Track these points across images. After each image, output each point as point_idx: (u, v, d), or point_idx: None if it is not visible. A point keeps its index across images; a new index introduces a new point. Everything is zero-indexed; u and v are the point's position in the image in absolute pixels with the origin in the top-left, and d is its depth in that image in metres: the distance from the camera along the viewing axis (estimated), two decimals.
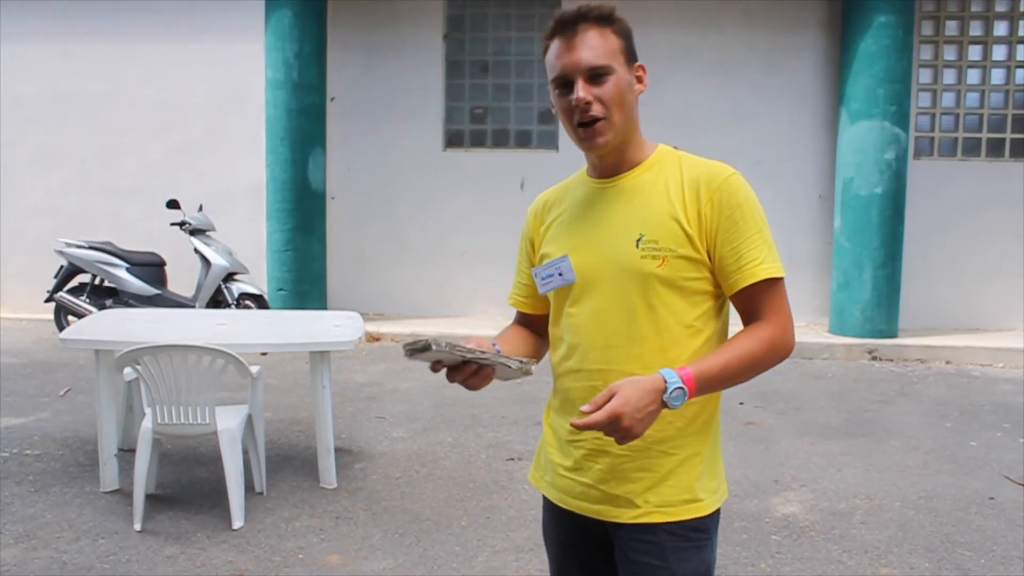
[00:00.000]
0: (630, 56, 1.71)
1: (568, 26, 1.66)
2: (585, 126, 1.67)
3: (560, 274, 1.77)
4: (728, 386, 1.67)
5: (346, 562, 3.61)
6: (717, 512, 1.76)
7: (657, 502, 1.70)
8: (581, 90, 1.64)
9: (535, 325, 1.96)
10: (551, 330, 1.86)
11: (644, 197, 1.71)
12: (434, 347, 1.51)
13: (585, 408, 1.52)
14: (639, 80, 1.73)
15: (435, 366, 1.61)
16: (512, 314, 2.02)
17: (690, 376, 1.56)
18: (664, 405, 1.54)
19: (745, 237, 1.65)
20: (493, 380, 1.68)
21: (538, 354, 1.94)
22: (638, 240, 1.68)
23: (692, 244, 1.66)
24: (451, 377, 1.63)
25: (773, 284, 1.67)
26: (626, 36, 1.70)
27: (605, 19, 1.68)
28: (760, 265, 1.65)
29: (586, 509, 1.77)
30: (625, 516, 1.72)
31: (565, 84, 1.68)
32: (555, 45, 1.68)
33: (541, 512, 1.95)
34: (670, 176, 1.71)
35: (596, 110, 1.65)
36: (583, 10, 1.67)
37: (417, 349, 1.51)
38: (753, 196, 1.69)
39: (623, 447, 1.67)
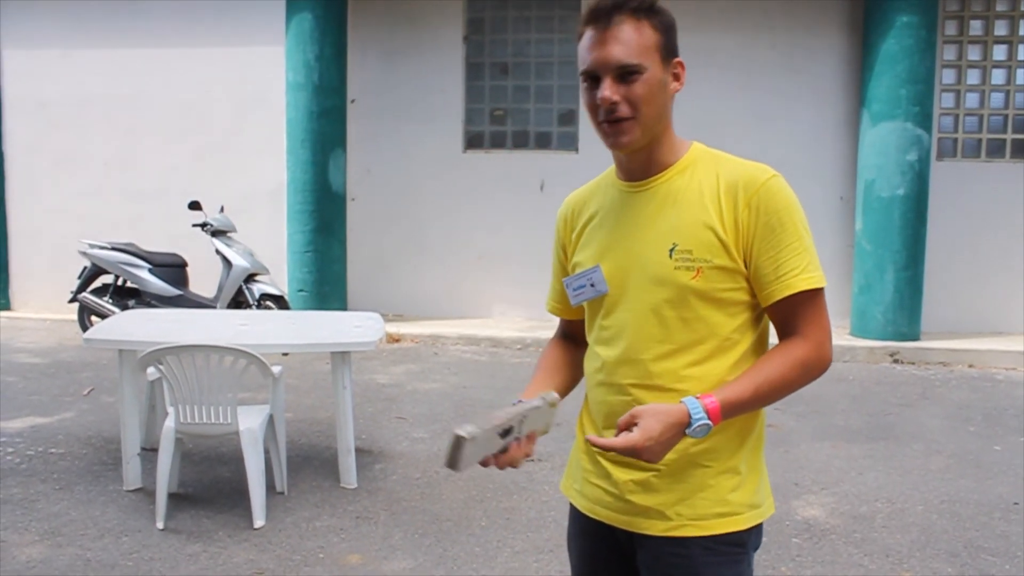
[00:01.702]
0: (668, 52, 1.60)
1: (602, 16, 1.56)
2: (610, 123, 1.58)
3: (592, 285, 1.69)
4: (757, 409, 1.61)
5: (366, 562, 3.62)
6: (758, 527, 1.68)
7: (690, 515, 1.63)
8: (607, 89, 1.55)
9: (577, 332, 1.86)
10: (587, 337, 1.78)
11: (677, 203, 1.61)
12: (467, 436, 1.43)
13: (597, 440, 1.51)
14: (676, 78, 1.63)
15: (485, 460, 1.54)
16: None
17: (716, 407, 1.50)
18: (684, 435, 1.51)
19: (784, 245, 1.56)
20: (537, 437, 1.63)
21: (581, 371, 1.85)
22: (671, 250, 1.59)
23: (728, 253, 1.57)
24: (504, 464, 1.56)
25: (812, 296, 1.58)
26: (665, 30, 1.59)
27: (644, 10, 1.57)
28: (799, 275, 1.56)
29: (615, 520, 1.70)
30: (656, 528, 1.65)
31: (594, 79, 1.58)
32: (587, 35, 1.58)
33: (561, 514, 1.93)
34: (705, 179, 1.61)
35: (623, 110, 1.56)
36: (619, 0, 1.56)
37: (456, 447, 1.44)
38: (794, 200, 1.59)
39: None
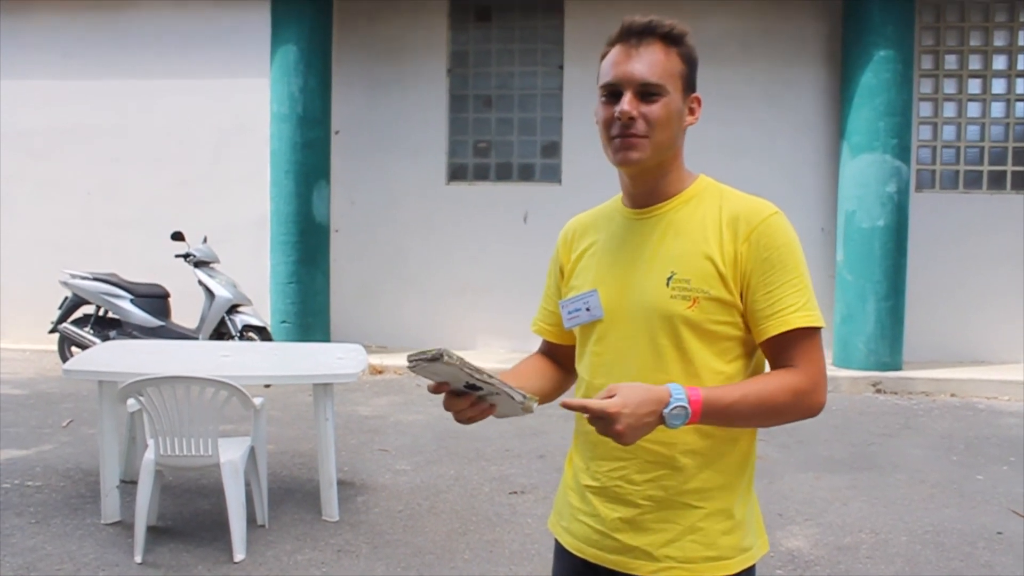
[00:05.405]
0: (688, 84, 1.63)
1: (633, 35, 1.59)
2: (623, 138, 1.59)
3: (587, 309, 1.68)
4: (739, 424, 1.58)
5: None
6: (750, 569, 1.65)
7: (679, 557, 1.60)
8: (627, 103, 1.56)
9: (558, 355, 1.86)
10: (577, 367, 1.77)
11: (679, 232, 1.62)
12: (445, 357, 1.40)
13: (571, 401, 1.45)
14: (691, 111, 1.66)
15: (438, 387, 1.51)
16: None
17: (698, 398, 1.46)
18: (662, 421, 1.45)
19: (782, 281, 1.56)
20: (490, 416, 1.58)
21: (559, 388, 1.85)
22: (669, 279, 1.59)
23: (725, 285, 1.57)
24: (448, 404, 1.53)
25: (808, 334, 1.57)
26: (690, 63, 1.63)
27: (674, 39, 1.60)
28: (795, 312, 1.55)
29: (601, 559, 1.66)
30: (643, 570, 1.61)
31: (613, 94, 1.60)
32: (615, 52, 1.61)
33: (544, 547, 1.91)
34: (708, 211, 1.62)
35: (639, 127, 1.57)
36: (654, 23, 1.59)
37: (426, 359, 1.41)
38: (794, 238, 1.60)
39: (645, 497, 1.61)
